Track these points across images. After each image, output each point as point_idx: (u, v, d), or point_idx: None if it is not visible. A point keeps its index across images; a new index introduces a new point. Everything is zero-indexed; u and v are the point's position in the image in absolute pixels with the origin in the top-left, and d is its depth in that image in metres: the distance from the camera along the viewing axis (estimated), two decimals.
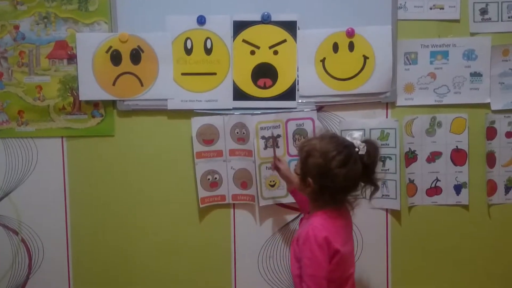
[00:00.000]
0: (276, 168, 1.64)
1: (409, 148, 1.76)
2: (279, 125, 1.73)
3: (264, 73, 1.72)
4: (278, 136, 1.73)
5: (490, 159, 1.78)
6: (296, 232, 1.49)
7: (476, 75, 1.75)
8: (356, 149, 1.33)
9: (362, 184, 1.38)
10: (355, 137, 1.36)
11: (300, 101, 1.73)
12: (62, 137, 1.76)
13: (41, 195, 1.77)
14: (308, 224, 1.37)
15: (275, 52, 1.72)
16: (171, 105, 1.73)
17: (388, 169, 1.74)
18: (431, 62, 1.74)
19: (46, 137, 1.75)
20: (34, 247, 1.79)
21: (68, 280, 1.80)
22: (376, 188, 1.40)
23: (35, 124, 1.75)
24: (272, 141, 1.71)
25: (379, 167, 1.42)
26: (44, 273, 1.79)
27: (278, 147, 1.72)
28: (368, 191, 1.41)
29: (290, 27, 1.70)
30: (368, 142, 1.36)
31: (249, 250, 1.79)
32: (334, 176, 1.31)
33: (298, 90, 1.73)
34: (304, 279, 1.33)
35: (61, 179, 1.77)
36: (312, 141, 1.39)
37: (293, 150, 1.73)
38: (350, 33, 1.70)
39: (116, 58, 1.71)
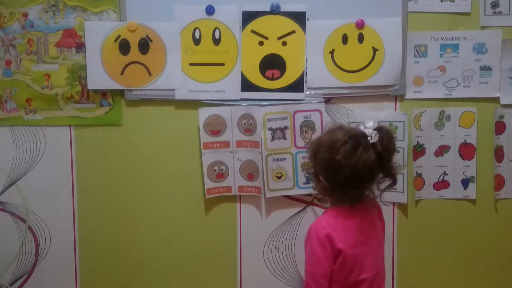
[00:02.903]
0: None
1: (417, 142, 1.75)
2: (287, 117, 1.73)
3: (272, 64, 1.71)
4: (286, 127, 1.73)
5: (499, 153, 1.77)
6: None
7: (486, 69, 1.74)
8: (368, 138, 1.26)
9: (381, 176, 1.31)
10: (368, 126, 1.28)
11: (308, 92, 1.72)
12: (70, 126, 1.76)
13: (49, 183, 1.77)
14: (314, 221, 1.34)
15: (284, 43, 1.71)
16: (178, 95, 1.72)
17: (396, 162, 1.73)
18: (440, 55, 1.73)
19: (54, 125, 1.75)
20: (41, 235, 1.80)
21: (75, 268, 1.81)
22: (393, 181, 1.33)
23: (43, 112, 1.75)
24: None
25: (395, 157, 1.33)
26: (51, 260, 1.80)
27: None
28: (385, 184, 1.33)
29: (299, 18, 1.69)
30: (380, 129, 1.28)
31: (255, 242, 1.79)
32: (341, 168, 1.24)
33: (306, 82, 1.72)
34: (305, 276, 1.31)
35: (69, 168, 1.77)
36: (318, 138, 1.36)
37: (300, 142, 1.73)
38: (360, 25, 1.69)
39: (124, 47, 1.70)
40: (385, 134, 1.28)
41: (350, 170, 1.24)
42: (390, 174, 1.31)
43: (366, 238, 1.32)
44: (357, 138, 1.27)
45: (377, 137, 1.26)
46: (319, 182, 1.33)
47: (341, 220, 1.30)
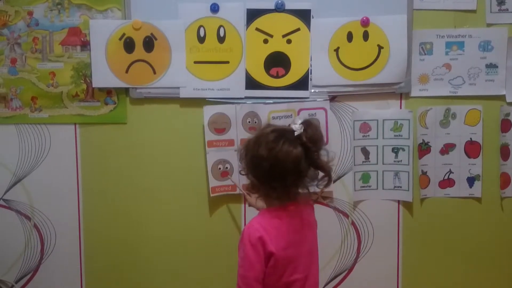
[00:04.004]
0: (250, 203, 1.57)
1: (423, 140, 1.75)
2: (291, 115, 1.72)
3: (277, 62, 1.71)
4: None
5: (504, 151, 1.76)
6: None
7: (491, 66, 1.73)
8: (295, 132, 1.23)
9: (315, 172, 1.27)
10: (296, 122, 1.26)
11: (313, 90, 1.72)
12: (75, 124, 1.77)
13: (54, 181, 1.78)
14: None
15: (289, 41, 1.70)
16: (183, 93, 1.72)
17: (401, 161, 1.73)
18: (446, 53, 1.72)
19: (59, 123, 1.76)
20: (47, 233, 1.81)
21: (80, 265, 1.81)
22: (328, 176, 1.27)
23: (48, 110, 1.76)
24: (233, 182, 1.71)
25: (324, 153, 1.28)
26: (56, 258, 1.81)
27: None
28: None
29: (304, 15, 1.69)
30: (306, 122, 1.26)
31: None
32: (264, 160, 1.22)
33: (311, 80, 1.71)
34: (237, 278, 1.25)
35: (74, 166, 1.78)
36: (248, 137, 1.34)
37: None
38: (365, 22, 1.68)
39: (129, 45, 1.70)
40: (309, 125, 1.26)
41: (272, 161, 1.22)
42: (319, 166, 1.27)
43: (300, 238, 1.29)
44: (281, 131, 1.26)
45: (302, 129, 1.24)
46: (250, 182, 1.30)
47: (274, 220, 1.26)
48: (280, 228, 1.26)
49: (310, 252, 1.32)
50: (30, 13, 1.72)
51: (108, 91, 1.74)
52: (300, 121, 1.26)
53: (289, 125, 1.28)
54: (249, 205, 1.62)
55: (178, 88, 1.72)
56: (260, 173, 1.26)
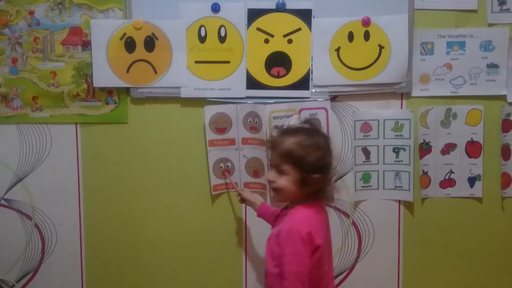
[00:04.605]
0: (242, 199, 1.66)
1: (424, 140, 1.75)
2: (292, 115, 1.72)
3: (278, 62, 1.71)
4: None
5: (505, 151, 1.76)
6: (272, 229, 1.43)
7: (492, 66, 1.73)
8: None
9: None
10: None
11: (313, 90, 1.72)
12: (76, 124, 1.77)
13: (55, 181, 1.78)
14: (289, 219, 1.33)
15: (289, 41, 1.70)
16: (184, 93, 1.72)
17: (402, 161, 1.73)
18: (447, 53, 1.72)
19: (60, 123, 1.76)
20: (47, 232, 1.81)
21: (81, 265, 1.82)
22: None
23: (49, 110, 1.76)
24: (225, 172, 1.74)
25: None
26: (57, 257, 1.81)
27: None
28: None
29: (305, 15, 1.69)
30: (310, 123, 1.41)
31: (260, 238, 1.78)
32: (326, 155, 1.33)
33: (312, 80, 1.71)
34: (286, 277, 1.26)
35: (75, 165, 1.78)
36: (290, 136, 1.35)
37: None
38: (366, 22, 1.68)
39: (130, 45, 1.71)
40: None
41: (329, 154, 1.35)
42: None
43: (328, 231, 1.40)
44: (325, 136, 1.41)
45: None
46: (288, 178, 1.32)
47: (314, 215, 1.33)
48: (321, 222, 1.34)
49: (330, 245, 1.43)
50: (31, 13, 1.72)
51: (109, 91, 1.74)
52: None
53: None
54: (243, 201, 1.67)
55: (179, 88, 1.72)
56: (320, 167, 1.32)
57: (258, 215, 1.65)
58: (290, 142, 1.33)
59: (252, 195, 1.68)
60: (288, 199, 1.38)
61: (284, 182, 1.33)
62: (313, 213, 1.33)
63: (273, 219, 1.59)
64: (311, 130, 1.38)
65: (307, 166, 1.31)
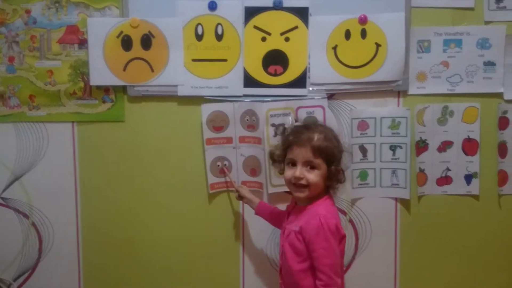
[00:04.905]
0: (240, 196, 1.68)
1: (420, 137, 1.75)
2: (289, 113, 1.72)
3: (275, 60, 1.71)
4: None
5: (502, 149, 1.76)
6: (288, 226, 1.44)
7: (489, 64, 1.73)
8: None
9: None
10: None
11: (311, 88, 1.72)
12: (72, 122, 1.77)
13: (52, 179, 1.78)
14: (313, 214, 1.35)
15: (287, 39, 1.70)
16: (181, 91, 1.72)
17: (399, 158, 1.74)
18: (444, 51, 1.72)
19: (57, 121, 1.76)
20: (45, 231, 1.80)
21: (78, 263, 1.82)
22: None
23: (46, 108, 1.75)
24: (224, 170, 1.74)
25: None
26: (55, 256, 1.81)
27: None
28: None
29: (302, 13, 1.69)
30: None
31: (258, 237, 1.80)
32: (341, 147, 1.44)
33: (309, 78, 1.72)
34: (322, 270, 1.30)
35: (72, 164, 1.78)
36: (314, 131, 1.41)
37: None
38: (363, 20, 1.68)
39: (127, 43, 1.70)
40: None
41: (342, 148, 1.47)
42: None
43: None
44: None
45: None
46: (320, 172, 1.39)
47: (333, 208, 1.42)
48: (338, 213, 1.43)
49: None
50: (28, 11, 1.72)
51: (106, 89, 1.74)
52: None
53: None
54: (240, 198, 1.68)
55: (176, 86, 1.72)
56: (340, 158, 1.42)
57: (256, 213, 1.66)
58: (319, 137, 1.38)
59: (250, 193, 1.69)
60: (313, 194, 1.40)
61: (315, 177, 1.37)
62: (332, 205, 1.41)
63: (274, 217, 1.61)
64: (321, 124, 1.48)
65: (334, 158, 1.38)
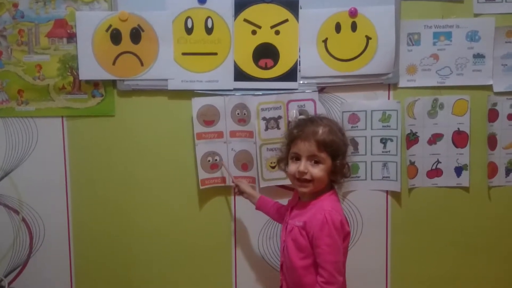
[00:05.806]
0: (240, 191, 1.66)
1: (411, 130, 1.75)
2: (280, 106, 1.72)
3: (266, 53, 1.71)
4: (279, 117, 1.72)
5: (492, 141, 1.77)
6: (291, 221, 1.41)
7: (479, 56, 1.74)
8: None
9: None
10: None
11: (301, 82, 1.72)
12: (62, 117, 1.75)
13: (42, 175, 1.77)
14: (318, 209, 1.33)
15: (277, 32, 1.70)
16: (171, 85, 1.72)
17: (389, 151, 1.74)
18: (434, 43, 1.73)
19: (46, 116, 1.75)
20: (35, 227, 1.80)
21: (69, 259, 1.81)
22: None
23: (35, 103, 1.74)
24: (221, 164, 1.73)
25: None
26: (45, 252, 1.80)
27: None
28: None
29: (292, 6, 1.68)
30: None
31: (250, 231, 1.80)
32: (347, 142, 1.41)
33: (299, 71, 1.71)
34: (324, 267, 1.28)
35: (62, 159, 1.77)
36: (318, 125, 1.37)
37: None
38: (353, 13, 1.68)
39: (116, 37, 1.69)
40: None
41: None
42: None
43: None
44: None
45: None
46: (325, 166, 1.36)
47: (338, 203, 1.38)
48: (343, 210, 1.40)
49: None
50: (15, 5, 1.70)
51: (95, 84, 1.73)
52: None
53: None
54: (240, 193, 1.67)
55: (166, 80, 1.71)
56: (345, 152, 1.40)
57: (257, 208, 1.64)
58: (324, 131, 1.35)
59: (250, 187, 1.67)
60: (317, 189, 1.37)
61: (319, 171, 1.34)
62: (337, 201, 1.38)
63: (275, 212, 1.60)
64: (326, 117, 1.44)
65: (339, 152, 1.36)
